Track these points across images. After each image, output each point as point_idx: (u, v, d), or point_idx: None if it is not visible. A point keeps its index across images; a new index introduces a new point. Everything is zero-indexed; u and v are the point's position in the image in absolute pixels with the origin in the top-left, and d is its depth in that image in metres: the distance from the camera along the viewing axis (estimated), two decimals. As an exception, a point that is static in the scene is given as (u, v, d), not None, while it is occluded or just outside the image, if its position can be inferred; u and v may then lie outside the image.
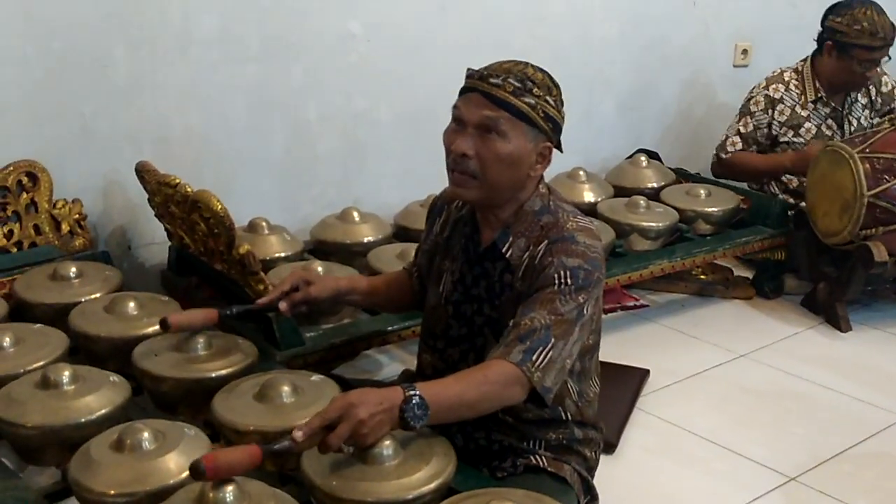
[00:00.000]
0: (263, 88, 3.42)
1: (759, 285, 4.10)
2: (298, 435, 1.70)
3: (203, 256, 2.87)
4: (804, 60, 4.18)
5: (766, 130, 4.14)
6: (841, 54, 3.99)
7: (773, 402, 3.27)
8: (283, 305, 2.28)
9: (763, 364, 3.52)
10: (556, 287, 1.99)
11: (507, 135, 2.00)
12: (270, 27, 3.38)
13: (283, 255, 3.16)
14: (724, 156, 4.18)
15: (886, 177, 3.61)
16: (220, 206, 2.64)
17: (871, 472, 2.88)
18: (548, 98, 2.03)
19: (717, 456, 2.94)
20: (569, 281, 1.99)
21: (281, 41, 3.42)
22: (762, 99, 4.13)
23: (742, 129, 4.15)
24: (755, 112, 4.14)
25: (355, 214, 3.37)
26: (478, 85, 2.02)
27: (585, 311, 2.02)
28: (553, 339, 1.95)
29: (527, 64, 2.06)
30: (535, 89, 2.01)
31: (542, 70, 2.07)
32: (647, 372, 3.31)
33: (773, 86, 4.14)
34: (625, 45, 4.38)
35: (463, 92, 2.06)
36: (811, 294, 3.96)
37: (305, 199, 3.60)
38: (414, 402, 1.79)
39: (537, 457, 2.15)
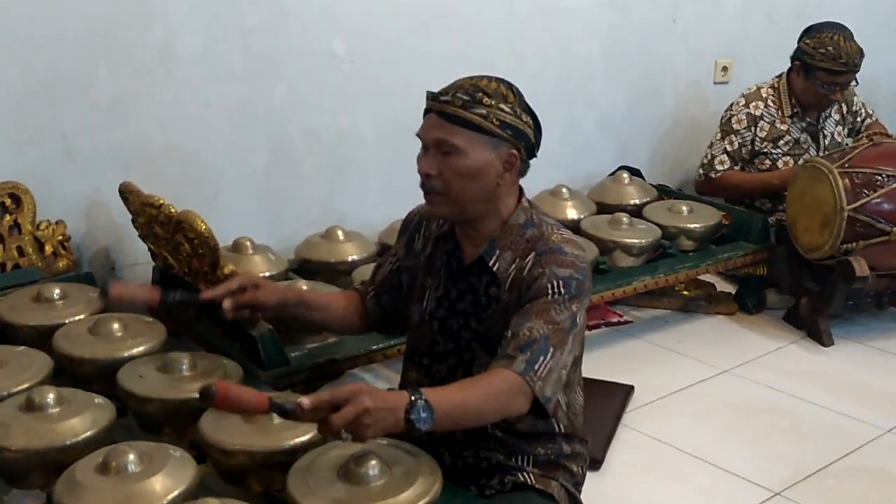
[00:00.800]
0: (247, 107, 3.43)
1: (741, 300, 4.13)
2: (305, 402, 1.73)
3: (188, 277, 2.86)
4: (779, 77, 4.23)
5: (749, 147, 4.19)
6: (807, 75, 4.08)
7: (757, 417, 3.28)
8: (226, 303, 2.22)
9: (746, 379, 3.54)
10: (549, 297, 2.00)
11: (462, 150, 2.01)
12: (254, 46, 3.38)
13: (267, 274, 3.15)
14: (713, 175, 4.21)
15: (866, 191, 3.64)
16: (204, 227, 2.64)
17: (854, 486, 2.89)
18: (502, 105, 2.02)
19: (703, 471, 2.95)
20: (562, 290, 2.01)
21: (264, 60, 3.42)
22: (744, 117, 4.18)
23: (728, 148, 4.19)
24: (739, 130, 4.18)
25: (340, 233, 3.38)
26: (431, 105, 2.06)
27: (578, 321, 2.04)
28: (552, 349, 1.96)
29: (483, 76, 2.06)
30: (486, 99, 2.01)
31: (498, 80, 2.07)
32: (631, 388, 3.32)
33: (753, 103, 4.19)
34: (606, 62, 4.41)
35: (424, 114, 2.09)
36: (793, 309, 3.98)
37: (289, 218, 3.60)
38: (419, 404, 1.78)
39: (525, 474, 2.15)
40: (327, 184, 3.68)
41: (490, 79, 2.06)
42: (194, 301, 2.33)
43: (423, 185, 2.09)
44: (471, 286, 2.15)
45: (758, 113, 4.17)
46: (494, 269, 2.10)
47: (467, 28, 3.90)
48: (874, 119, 4.39)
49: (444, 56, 3.80)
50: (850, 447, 3.09)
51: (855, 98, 4.31)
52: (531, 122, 2.08)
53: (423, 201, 2.26)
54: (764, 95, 4.20)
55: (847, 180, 3.65)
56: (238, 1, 3.32)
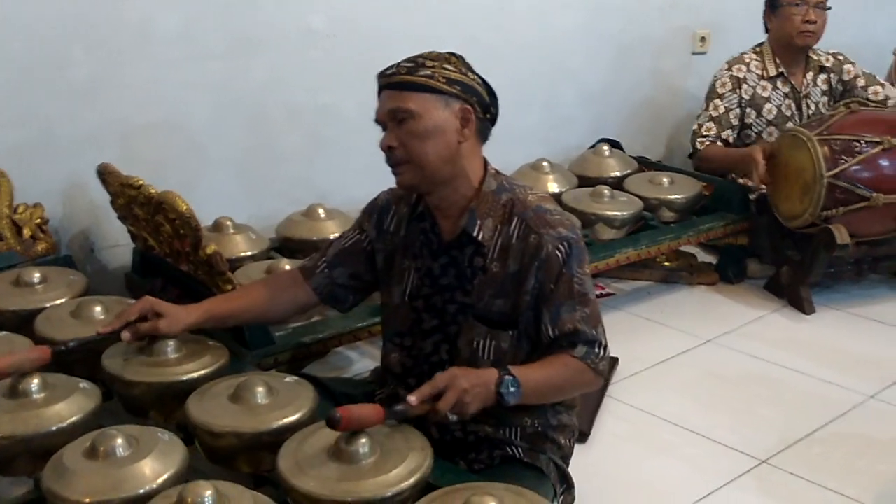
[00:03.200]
0: (226, 86, 3.40)
1: (722, 270, 4.14)
2: (412, 399, 1.89)
3: (168, 258, 2.85)
4: (761, 44, 4.23)
5: (737, 111, 4.16)
6: (775, 11, 4.10)
7: (741, 386, 3.30)
8: (125, 335, 2.19)
9: (729, 348, 3.56)
10: (564, 266, 2.07)
11: (415, 112, 2.04)
12: (232, 24, 3.35)
13: (249, 253, 3.15)
14: (698, 146, 4.19)
15: (844, 157, 3.65)
16: (185, 207, 2.62)
17: (839, 453, 2.91)
18: (445, 66, 2.07)
19: (689, 441, 2.96)
20: (571, 252, 2.08)
21: (243, 38, 3.39)
22: (728, 80, 4.17)
23: (713, 113, 4.17)
24: (724, 93, 4.17)
25: (321, 211, 3.36)
26: (380, 82, 2.10)
27: (590, 279, 2.15)
28: (594, 327, 2.11)
29: (421, 53, 2.11)
30: (428, 62, 2.06)
31: (439, 52, 2.12)
32: (616, 360, 3.33)
33: (736, 66, 4.19)
34: (585, 35, 4.40)
35: (378, 97, 2.13)
36: (775, 277, 4.00)
37: (270, 197, 3.58)
38: (508, 380, 1.96)
39: (513, 448, 2.17)
40: (308, 162, 3.67)
41: (432, 52, 2.11)
42: (91, 342, 2.25)
43: (388, 161, 2.12)
44: (453, 260, 2.16)
45: (741, 75, 4.17)
46: (479, 238, 2.11)
47: (447, 3, 3.88)
48: (883, 86, 4.30)
49: (425, 32, 3.77)
50: (834, 414, 3.11)
51: (846, 66, 4.25)
52: (479, 80, 2.12)
53: None
54: (747, 60, 4.20)
55: (826, 147, 3.65)
56: (215, -22, 3.29)
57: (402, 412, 1.90)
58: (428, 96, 2.05)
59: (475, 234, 2.12)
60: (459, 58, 2.13)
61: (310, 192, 3.61)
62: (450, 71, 2.07)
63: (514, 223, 2.11)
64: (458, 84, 2.07)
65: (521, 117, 4.16)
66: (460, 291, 2.16)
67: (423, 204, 2.20)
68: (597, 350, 2.10)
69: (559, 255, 2.07)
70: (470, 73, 2.11)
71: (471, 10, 3.96)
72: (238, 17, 3.36)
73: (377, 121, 2.12)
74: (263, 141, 3.53)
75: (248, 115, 3.48)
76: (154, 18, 3.19)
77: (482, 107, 2.11)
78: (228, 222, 3.19)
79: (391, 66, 2.09)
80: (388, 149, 2.09)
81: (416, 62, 2.07)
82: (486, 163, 2.18)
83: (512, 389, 1.96)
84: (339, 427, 1.83)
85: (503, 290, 2.11)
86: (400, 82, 2.06)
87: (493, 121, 2.16)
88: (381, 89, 2.11)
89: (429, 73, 2.05)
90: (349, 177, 3.73)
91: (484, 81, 2.14)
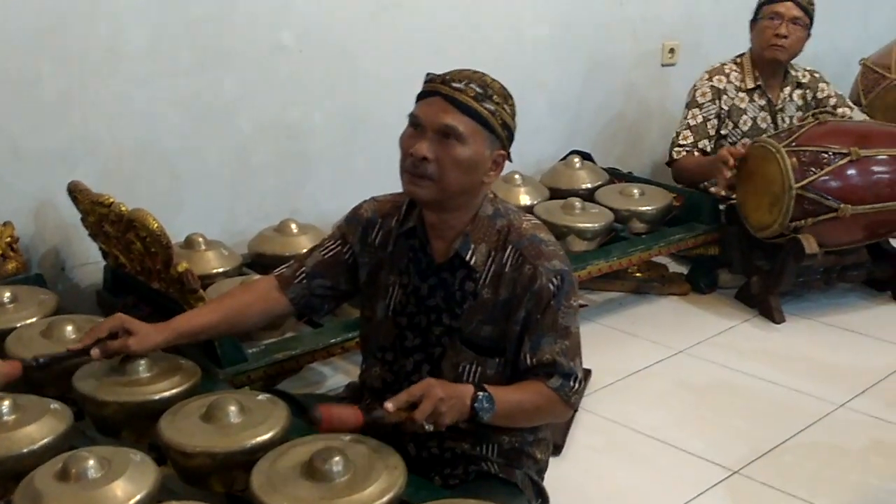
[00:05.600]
0: (195, 101, 3.38)
1: (694, 281, 4.17)
2: (389, 406, 1.89)
3: (140, 275, 2.84)
4: (742, 55, 4.27)
5: (715, 121, 4.19)
6: (755, 23, 4.16)
7: (713, 396, 3.32)
8: (95, 353, 2.17)
9: (701, 359, 3.58)
10: (554, 299, 2.08)
11: (466, 140, 2.01)
12: (201, 40, 3.34)
13: (220, 270, 3.13)
14: (675, 156, 4.21)
15: (813, 169, 3.69)
16: (156, 225, 2.62)
17: (811, 462, 2.94)
18: (505, 106, 2.06)
19: (662, 452, 2.98)
20: (562, 286, 2.08)
21: (212, 53, 3.38)
22: (708, 90, 4.20)
23: (691, 122, 4.20)
24: (703, 103, 4.20)
25: (293, 226, 3.36)
26: (440, 89, 2.03)
27: (577, 315, 2.15)
28: (574, 360, 2.12)
29: (484, 73, 2.08)
30: (495, 96, 2.04)
31: (497, 80, 2.09)
32: (588, 372, 3.34)
33: (717, 77, 4.22)
34: (556, 48, 4.42)
35: (423, 97, 2.07)
36: (745, 287, 4.03)
37: (242, 212, 3.57)
38: (483, 396, 1.97)
39: (488, 463, 2.17)
40: (279, 177, 3.66)
41: (492, 78, 2.08)
42: (60, 358, 2.23)
43: (413, 168, 2.05)
44: (443, 282, 2.15)
45: (721, 86, 4.20)
46: (472, 262, 2.11)
47: (416, 17, 3.88)
48: (851, 108, 4.38)
49: (394, 45, 3.80)
50: (805, 423, 3.13)
51: (821, 84, 4.32)
52: (515, 128, 2.12)
53: (374, 192, 2.26)
54: (727, 70, 4.23)
55: (794, 159, 3.69)
56: (186, -6, 3.28)
57: (379, 417, 1.92)
58: (481, 130, 2.03)
59: (468, 258, 2.11)
60: (512, 97, 2.10)
61: (281, 207, 3.60)
62: (506, 114, 2.06)
63: (508, 251, 2.10)
64: (508, 130, 2.07)
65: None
66: (447, 314, 2.15)
67: (414, 221, 2.18)
68: (571, 383, 2.10)
69: (551, 287, 2.07)
70: (515, 118, 2.10)
71: (441, 24, 3.96)
72: (208, 33, 3.35)
73: (416, 119, 2.05)
74: (234, 156, 3.53)
75: (219, 130, 3.46)
76: (123, 34, 3.17)
77: (509, 153, 2.12)
78: (200, 239, 3.18)
79: (459, 80, 2.03)
80: (422, 159, 2.03)
81: (486, 91, 2.03)
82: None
83: (486, 405, 1.96)
84: (320, 426, 1.85)
85: (492, 317, 2.11)
86: (464, 104, 2.01)
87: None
88: (434, 94, 2.04)
89: (493, 108, 2.02)
90: (321, 191, 3.73)
91: None
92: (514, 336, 2.11)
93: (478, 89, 2.02)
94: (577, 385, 2.11)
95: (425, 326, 2.18)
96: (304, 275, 2.31)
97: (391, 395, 2.14)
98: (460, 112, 2.01)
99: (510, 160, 2.13)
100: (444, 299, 2.15)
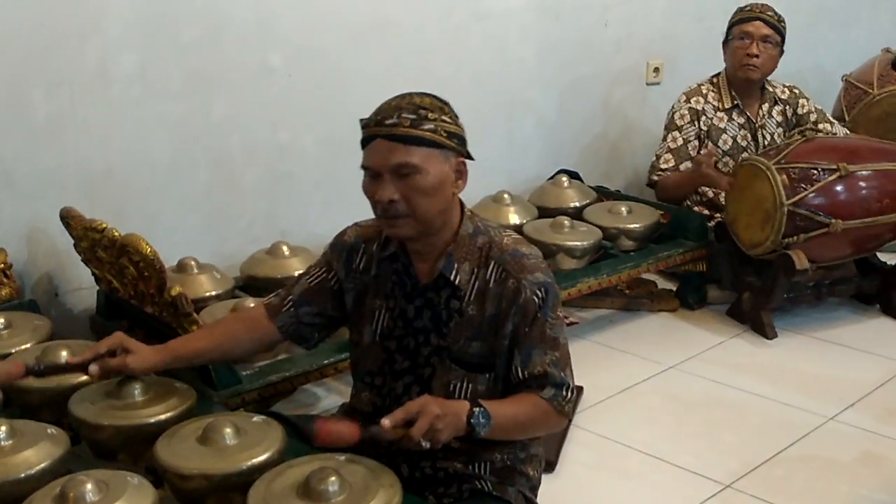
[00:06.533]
0: (185, 124, 3.41)
1: (683, 297, 4.19)
2: (386, 423, 1.89)
3: (133, 300, 2.85)
4: (717, 74, 4.31)
5: (695, 142, 4.22)
6: (727, 44, 4.22)
7: (705, 411, 3.34)
8: (93, 368, 2.20)
9: (692, 374, 3.60)
10: (540, 311, 2.07)
11: (422, 168, 2.00)
12: (190, 63, 3.36)
13: (213, 293, 3.15)
14: (655, 177, 4.24)
15: (803, 185, 3.73)
16: (149, 250, 2.63)
17: (802, 475, 2.96)
18: (443, 117, 2.04)
19: (655, 468, 3.00)
20: (547, 298, 2.08)
21: (201, 76, 3.41)
22: (686, 112, 4.23)
23: (672, 145, 4.23)
24: (682, 125, 4.23)
25: (285, 248, 3.37)
26: (376, 132, 2.02)
27: (561, 322, 2.14)
28: (564, 371, 2.12)
29: (410, 94, 2.06)
30: (429, 114, 2.02)
31: (426, 94, 2.07)
32: (580, 389, 3.36)
33: (695, 98, 4.25)
34: (541, 68, 4.45)
35: (365, 143, 2.06)
36: (736, 303, 4.06)
37: (233, 235, 3.58)
38: (479, 412, 1.96)
39: (482, 482, 2.18)
40: (269, 199, 3.68)
41: (418, 95, 2.06)
42: (59, 367, 2.28)
43: (384, 213, 2.06)
44: (429, 302, 2.15)
45: (699, 107, 4.23)
46: (456, 282, 2.11)
47: (404, 38, 3.92)
48: (832, 124, 4.42)
49: (382, 67, 3.82)
50: (796, 436, 3.16)
51: (802, 101, 4.35)
52: (462, 128, 2.11)
53: (365, 213, 2.27)
54: (704, 91, 4.27)
55: (785, 176, 3.73)
56: (173, 18, 3.30)
57: (375, 433, 1.91)
58: (431, 151, 2.01)
59: (452, 278, 2.11)
60: (448, 104, 2.09)
61: (272, 229, 3.62)
62: (448, 124, 2.04)
63: (490, 267, 2.11)
64: (456, 138, 2.06)
65: (479, 150, 4.11)
66: (435, 334, 2.15)
67: (394, 246, 2.18)
68: (564, 393, 2.10)
69: (536, 300, 2.07)
70: (459, 121, 2.09)
71: (427, 45, 4.00)
72: (196, 56, 3.37)
73: (368, 168, 2.05)
74: (224, 179, 3.54)
75: (209, 153, 3.49)
76: (113, 58, 3.19)
77: (467, 155, 2.11)
78: (192, 262, 3.19)
79: (390, 115, 2.01)
80: (389, 202, 2.03)
81: (418, 114, 2.00)
82: (462, 205, 2.18)
83: (483, 421, 1.96)
84: (315, 440, 1.86)
85: (480, 334, 2.11)
86: (404, 136, 2.00)
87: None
88: (374, 137, 2.03)
89: (432, 126, 2.01)
90: (311, 213, 3.75)
91: None
92: (503, 351, 2.11)
93: (411, 116, 2.00)
94: (569, 395, 2.11)
95: (414, 348, 2.18)
96: (291, 303, 2.31)
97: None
98: (405, 145, 2.00)
99: (471, 159, 2.12)
100: (430, 319, 2.15)
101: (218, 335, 2.36)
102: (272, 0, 3.53)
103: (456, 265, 2.12)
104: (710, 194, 4.20)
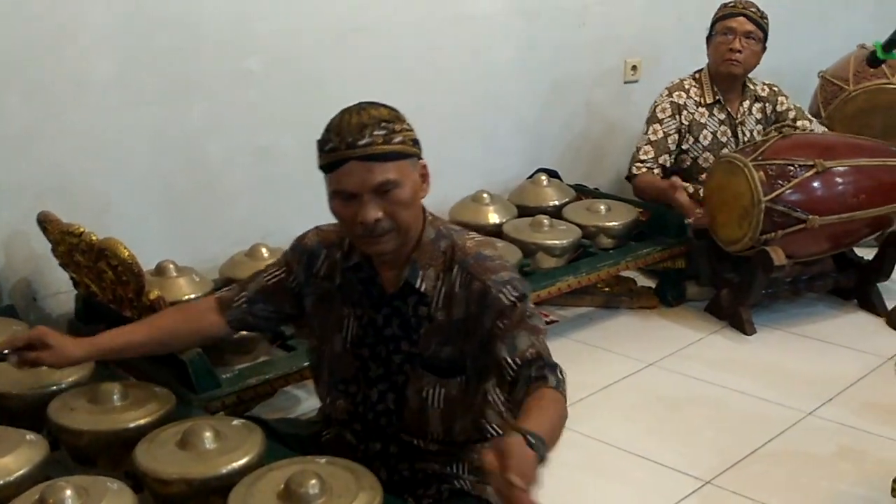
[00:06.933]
0: (164, 130, 3.40)
1: (662, 294, 4.21)
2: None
3: (112, 304, 2.84)
4: (700, 70, 4.33)
5: (675, 136, 4.24)
6: (710, 39, 4.25)
7: (684, 408, 3.36)
8: (11, 358, 2.21)
9: (672, 371, 3.62)
10: (510, 304, 2.03)
11: (400, 181, 2.00)
12: (168, 68, 3.36)
13: (193, 296, 3.12)
14: (634, 171, 4.26)
15: (780, 182, 3.74)
16: (127, 253, 2.63)
17: (781, 470, 2.98)
18: (405, 126, 2.03)
19: (635, 465, 3.01)
20: (514, 293, 2.04)
21: (179, 82, 3.40)
22: (668, 106, 4.25)
23: (652, 137, 4.24)
24: (663, 119, 4.24)
25: (264, 250, 3.37)
26: (349, 154, 1.96)
27: (537, 313, 2.09)
28: (550, 353, 2.03)
29: (363, 108, 2.01)
30: (394, 125, 2.00)
31: (378, 105, 2.04)
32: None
33: (677, 93, 4.27)
34: (518, 69, 4.46)
35: (335, 167, 1.99)
36: (715, 300, 4.08)
37: (213, 238, 3.57)
38: (535, 442, 1.75)
39: (461, 481, 2.19)
40: (249, 202, 3.68)
41: (374, 107, 2.02)
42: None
43: (367, 233, 2.02)
44: (397, 310, 2.14)
45: (681, 101, 4.25)
46: (422, 289, 2.10)
47: (381, 42, 3.92)
48: (810, 121, 4.46)
49: (361, 70, 3.83)
50: (775, 431, 3.18)
51: (780, 98, 4.39)
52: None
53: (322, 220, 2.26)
54: (686, 86, 4.29)
55: (762, 172, 3.75)
56: (150, 23, 3.29)
57: None
58: (404, 162, 2.01)
59: (417, 285, 2.10)
60: (395, 109, 2.06)
61: (252, 231, 3.61)
62: (409, 131, 2.04)
63: (455, 271, 2.09)
64: (417, 143, 2.06)
65: (459, 150, 4.22)
66: (406, 341, 2.14)
67: (358, 256, 2.16)
68: (561, 376, 2.02)
69: (504, 298, 2.03)
70: (407, 123, 2.07)
71: (405, 48, 4.00)
72: (174, 62, 3.37)
73: (344, 192, 2.00)
74: (204, 183, 3.54)
75: (188, 158, 3.48)
76: (90, 65, 3.18)
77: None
78: (171, 265, 3.18)
79: (357, 136, 1.96)
80: (375, 221, 2.00)
81: (387, 129, 1.98)
82: (423, 209, 2.16)
83: (542, 447, 1.77)
84: None
85: (450, 338, 2.10)
86: (381, 153, 1.97)
87: None
88: (346, 160, 1.97)
89: (401, 138, 2.00)
90: (290, 215, 3.71)
91: None
92: (476, 352, 2.08)
93: (381, 133, 1.97)
94: (564, 377, 2.01)
95: (386, 356, 2.16)
96: (244, 299, 2.31)
97: (358, 425, 2.18)
98: (382, 162, 1.97)
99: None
100: (400, 327, 2.14)
101: (155, 327, 2.36)
102: (250, 5, 3.53)
103: (421, 272, 2.10)
104: (690, 190, 4.22)
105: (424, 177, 2.09)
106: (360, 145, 1.96)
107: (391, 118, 2.01)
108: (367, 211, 1.99)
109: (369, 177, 1.97)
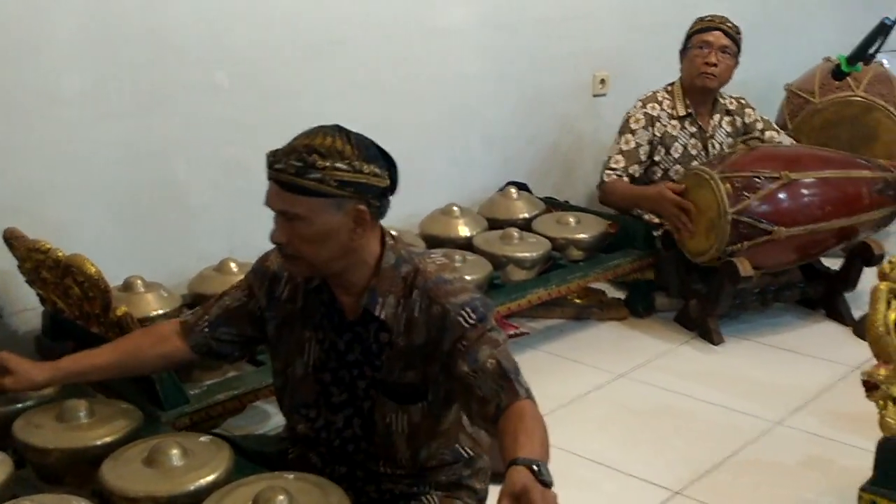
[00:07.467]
0: (132, 144, 3.38)
1: (631, 305, 4.24)
2: None
3: (79, 320, 2.83)
4: (672, 84, 4.36)
5: (647, 147, 4.26)
6: (685, 53, 4.27)
7: (654, 419, 3.38)
8: None
9: (642, 382, 3.64)
10: (470, 327, 2.00)
11: (304, 217, 1.96)
12: (136, 82, 3.34)
13: (161, 312, 3.12)
14: (605, 178, 4.26)
15: (746, 194, 3.78)
16: (93, 270, 2.62)
17: (749, 480, 3.00)
18: (338, 164, 1.93)
19: (606, 476, 3.02)
20: (474, 315, 2.01)
21: (149, 95, 3.39)
22: (641, 116, 4.27)
23: (624, 147, 4.26)
24: (636, 129, 4.26)
25: (233, 265, 3.36)
26: (269, 172, 1.98)
27: (499, 330, 2.06)
28: (515, 362, 2.01)
29: (319, 131, 1.98)
30: (319, 161, 1.92)
31: (335, 132, 1.98)
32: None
33: (650, 104, 4.30)
34: (489, 81, 4.48)
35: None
36: (683, 310, 4.11)
37: (181, 253, 3.55)
38: (538, 468, 1.72)
39: (428, 497, 2.19)
40: (218, 216, 3.66)
41: (326, 133, 1.98)
42: None
43: (280, 251, 2.07)
44: (358, 336, 2.11)
45: (654, 113, 4.27)
46: (382, 316, 2.07)
47: (353, 54, 3.92)
48: (778, 132, 4.49)
49: (332, 83, 3.83)
50: (743, 442, 3.20)
51: (748, 110, 4.43)
52: (375, 169, 1.99)
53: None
54: (659, 98, 4.31)
55: (728, 185, 3.78)
56: (120, 37, 3.28)
57: None
58: (318, 201, 1.94)
59: (377, 313, 2.07)
60: (356, 145, 1.98)
61: (221, 246, 3.59)
62: (342, 172, 1.94)
63: (414, 295, 2.06)
64: (351, 186, 1.95)
65: (429, 163, 4.23)
66: (368, 367, 2.12)
67: (319, 279, 2.14)
68: (525, 384, 2.00)
69: (462, 320, 2.01)
70: (365, 167, 1.97)
71: (376, 61, 4.01)
72: (142, 76, 3.35)
73: (266, 205, 2.02)
74: (172, 197, 3.53)
75: (156, 172, 3.46)
76: (58, 79, 3.17)
77: (379, 196, 2.02)
78: (139, 281, 3.17)
79: (279, 158, 1.95)
80: (276, 244, 2.03)
81: (306, 161, 1.92)
82: (383, 236, 2.11)
83: (546, 472, 1.74)
84: None
85: (412, 362, 2.07)
86: (288, 183, 1.94)
87: (392, 192, 2.07)
88: (270, 178, 1.99)
89: (319, 176, 1.92)
90: (259, 229, 3.69)
91: (382, 160, 2.02)
92: (437, 376, 2.05)
93: (297, 163, 1.92)
94: (526, 384, 2.00)
95: (350, 381, 2.14)
96: (207, 323, 2.28)
97: (323, 448, 2.16)
98: (287, 192, 1.95)
99: (390, 194, 2.06)
100: (362, 353, 2.11)
101: (120, 350, 2.34)
102: (220, 18, 3.53)
103: (380, 299, 2.07)
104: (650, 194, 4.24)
105: (360, 221, 2.00)
106: (275, 168, 1.97)
107: (327, 152, 1.94)
108: (274, 231, 2.03)
109: (276, 200, 1.99)
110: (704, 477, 3.01)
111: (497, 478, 2.82)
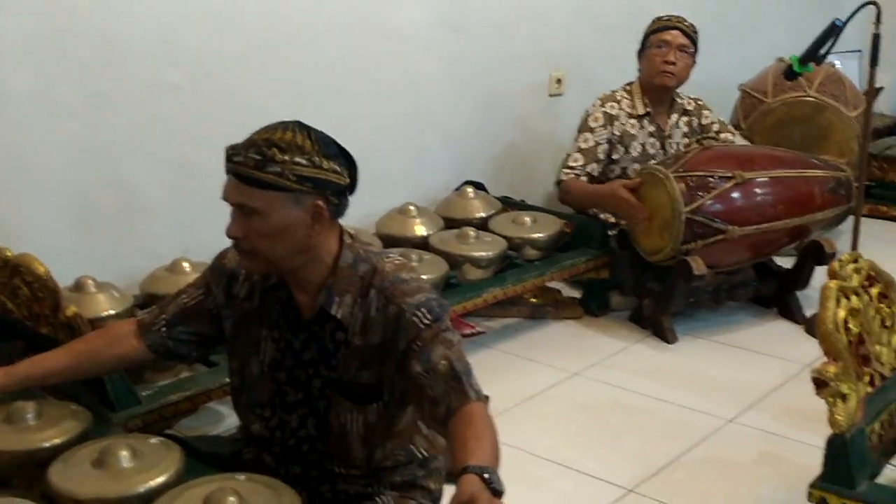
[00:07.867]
0: (82, 144, 3.35)
1: (586, 304, 4.25)
2: None
3: (28, 321, 2.78)
4: (631, 83, 4.38)
5: (605, 146, 4.27)
6: (643, 52, 4.30)
7: (608, 417, 3.40)
8: None
9: (596, 380, 3.66)
10: (425, 327, 2.00)
11: (261, 211, 1.95)
12: (87, 81, 3.31)
13: (112, 312, 3.08)
14: (563, 177, 4.27)
15: (700, 193, 3.81)
16: (42, 270, 2.58)
17: (702, 477, 3.02)
18: (297, 158, 1.94)
19: (560, 474, 3.03)
20: (429, 315, 2.01)
21: (99, 94, 3.35)
22: (601, 115, 4.28)
23: (582, 145, 4.27)
24: (595, 128, 4.27)
25: (185, 265, 3.33)
26: (227, 165, 1.98)
27: (453, 331, 2.06)
28: (466, 364, 2.01)
29: (279, 126, 1.99)
30: (279, 154, 1.93)
31: (295, 127, 1.99)
32: (487, 398, 3.37)
33: (609, 104, 4.31)
34: (446, 82, 4.48)
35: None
36: (638, 309, 4.13)
37: (133, 253, 3.52)
38: (491, 476, 1.74)
39: (382, 497, 2.18)
40: (169, 217, 3.63)
41: (286, 128, 1.98)
42: None
43: (235, 246, 2.07)
44: (314, 335, 2.11)
45: (613, 112, 4.29)
46: (338, 315, 2.06)
47: (306, 53, 3.91)
48: (733, 133, 4.54)
49: (283, 82, 3.81)
50: (696, 439, 3.23)
51: (705, 111, 4.46)
52: (335, 166, 2.00)
53: None
54: (618, 98, 4.33)
55: (683, 184, 3.81)
56: (70, 35, 3.24)
57: None
58: (276, 195, 1.94)
59: (333, 312, 2.06)
60: (317, 140, 1.99)
61: (174, 246, 3.56)
62: (302, 166, 1.94)
63: (371, 294, 2.05)
64: (310, 181, 1.96)
65: (385, 162, 4.22)
66: (324, 366, 2.11)
67: (276, 276, 2.13)
68: (476, 386, 2.00)
69: (417, 320, 2.00)
70: (325, 162, 1.97)
71: (329, 60, 4.00)
72: (93, 74, 3.32)
73: (224, 199, 2.02)
74: (124, 197, 3.49)
75: (107, 171, 3.43)
76: (6, 77, 3.13)
77: (338, 194, 2.02)
78: (90, 281, 3.13)
79: (238, 151, 1.96)
80: (232, 238, 2.02)
81: (265, 155, 1.92)
82: (341, 235, 2.11)
83: (496, 479, 1.75)
84: None
85: (368, 362, 2.07)
86: (246, 176, 1.94)
87: (352, 191, 2.08)
88: (228, 171, 1.99)
89: (278, 169, 1.92)
90: (212, 229, 3.66)
91: (343, 158, 2.03)
92: (400, 372, 2.04)
93: (256, 156, 1.93)
94: (478, 386, 2.01)
95: (305, 380, 2.13)
96: (164, 322, 2.26)
97: (277, 448, 2.14)
98: (246, 185, 1.95)
99: (349, 193, 2.06)
100: (318, 352, 2.11)
101: (76, 352, 2.31)
102: (172, 17, 3.49)
103: (337, 298, 2.06)
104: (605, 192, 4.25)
105: (317, 216, 2.00)
106: (233, 161, 1.97)
107: (287, 146, 1.94)
108: (230, 225, 2.02)
109: (233, 193, 1.99)
110: (658, 474, 3.03)
111: (452, 477, 2.84)
